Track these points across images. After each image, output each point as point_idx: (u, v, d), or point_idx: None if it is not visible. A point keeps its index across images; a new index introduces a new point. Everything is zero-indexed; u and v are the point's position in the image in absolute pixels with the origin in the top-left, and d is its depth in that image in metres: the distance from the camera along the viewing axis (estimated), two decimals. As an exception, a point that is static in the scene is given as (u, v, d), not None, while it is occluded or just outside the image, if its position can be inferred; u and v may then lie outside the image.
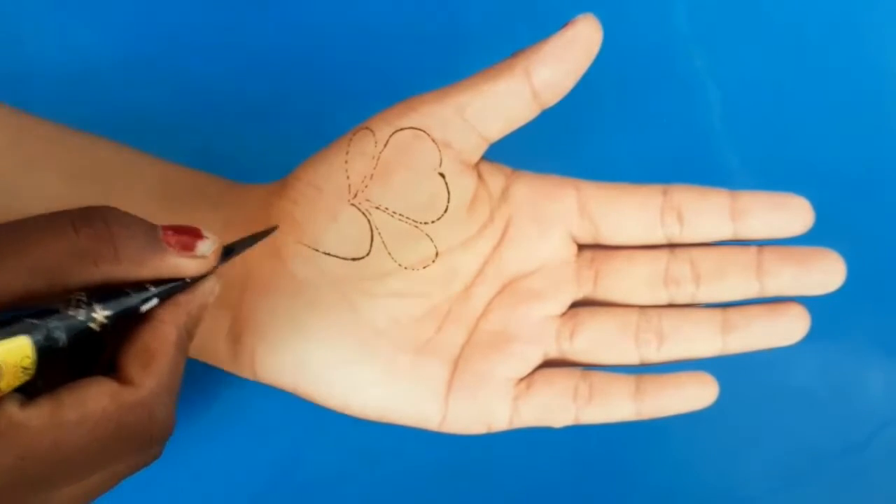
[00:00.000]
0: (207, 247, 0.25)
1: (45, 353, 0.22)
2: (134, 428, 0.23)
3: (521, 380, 0.31)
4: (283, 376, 0.30)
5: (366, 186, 0.30)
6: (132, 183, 0.31)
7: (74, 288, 0.22)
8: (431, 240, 0.31)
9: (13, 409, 0.21)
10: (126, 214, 0.24)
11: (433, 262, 0.31)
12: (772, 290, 0.30)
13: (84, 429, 0.22)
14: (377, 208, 0.30)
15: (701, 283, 0.30)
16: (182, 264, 0.24)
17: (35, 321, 0.22)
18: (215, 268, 0.26)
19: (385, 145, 0.30)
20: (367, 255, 0.30)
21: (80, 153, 0.32)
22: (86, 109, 0.36)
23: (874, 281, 0.38)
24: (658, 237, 0.31)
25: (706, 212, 0.30)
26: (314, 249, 0.30)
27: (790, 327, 0.30)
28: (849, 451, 0.39)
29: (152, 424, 0.23)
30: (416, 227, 0.30)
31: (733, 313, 0.30)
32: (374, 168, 0.30)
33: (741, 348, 0.30)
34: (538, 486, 0.38)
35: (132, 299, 0.23)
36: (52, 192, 0.31)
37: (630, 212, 0.30)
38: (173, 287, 0.25)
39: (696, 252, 0.30)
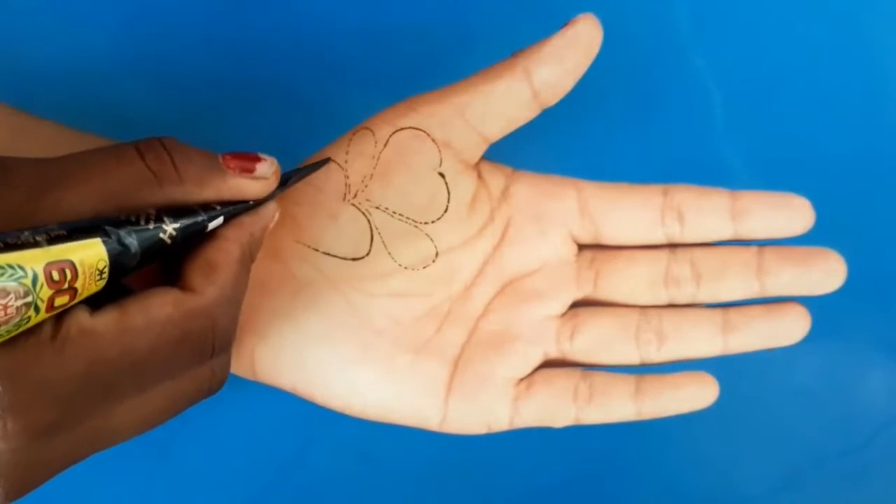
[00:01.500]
0: (266, 168, 0.26)
1: (118, 260, 0.22)
2: (197, 334, 0.23)
3: (522, 380, 0.31)
4: (282, 376, 0.30)
5: (366, 186, 0.30)
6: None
7: (141, 210, 0.23)
8: (431, 240, 0.31)
9: (83, 316, 0.21)
10: (186, 144, 0.24)
11: (433, 261, 0.31)
12: (772, 290, 0.30)
13: (151, 333, 0.22)
14: (377, 208, 0.30)
15: (701, 283, 0.30)
16: (243, 185, 0.25)
17: (109, 227, 0.22)
18: (275, 193, 0.27)
19: (385, 145, 0.30)
20: (367, 254, 0.30)
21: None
22: (86, 110, 0.36)
23: (875, 281, 0.38)
24: (658, 237, 0.31)
25: (707, 212, 0.30)
26: (314, 249, 0.30)
27: (791, 327, 0.30)
28: (849, 451, 0.39)
29: (215, 332, 0.24)
30: (416, 226, 0.30)
31: (734, 313, 0.30)
32: (374, 168, 0.30)
33: (742, 348, 0.30)
34: (539, 487, 0.38)
35: (200, 216, 0.24)
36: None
37: (631, 212, 0.30)
38: (238, 208, 0.26)
39: (696, 252, 0.30)
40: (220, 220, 0.25)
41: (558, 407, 0.30)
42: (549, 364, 0.31)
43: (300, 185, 0.30)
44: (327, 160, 0.30)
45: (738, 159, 0.40)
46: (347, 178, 0.30)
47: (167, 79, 0.38)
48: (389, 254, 0.30)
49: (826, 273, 0.29)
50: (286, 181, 0.28)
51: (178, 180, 0.24)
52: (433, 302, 0.31)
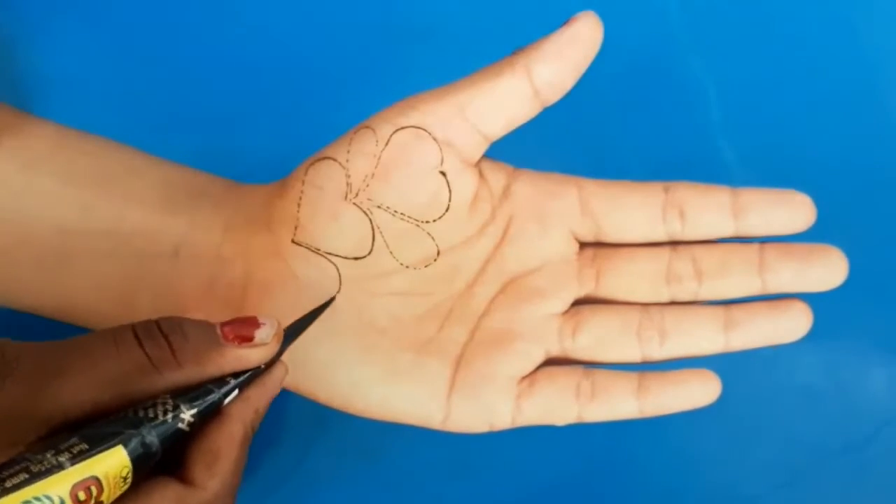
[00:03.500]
0: (266, 333, 0.25)
1: (140, 460, 0.22)
2: None
3: (524, 378, 0.31)
4: (284, 376, 0.30)
5: (367, 185, 0.30)
6: (133, 183, 0.31)
7: (142, 398, 0.23)
8: (433, 238, 0.31)
9: None
10: (179, 319, 0.24)
11: (435, 260, 0.31)
12: (774, 286, 0.30)
13: None
14: (378, 207, 0.30)
15: (703, 280, 0.30)
16: (244, 355, 0.25)
17: (129, 430, 0.22)
18: (281, 352, 0.26)
19: (386, 144, 0.30)
20: (369, 254, 0.30)
21: (81, 154, 0.32)
22: (86, 110, 0.36)
23: (876, 278, 0.38)
24: (660, 235, 0.30)
25: (708, 209, 0.30)
26: (315, 250, 0.30)
27: (792, 324, 0.30)
28: (851, 448, 0.39)
29: None
30: (418, 225, 0.30)
31: (735, 310, 0.30)
32: (376, 167, 0.30)
33: (743, 345, 0.30)
34: (541, 485, 0.38)
35: (214, 395, 0.24)
36: (53, 194, 0.31)
37: (632, 209, 0.30)
38: (251, 376, 0.25)
39: (698, 249, 0.30)
40: (235, 392, 0.25)
41: (560, 405, 0.30)
42: (551, 362, 0.31)
43: (301, 184, 0.30)
44: (332, 300, 0.29)
45: (738, 157, 0.40)
46: (349, 177, 0.30)
47: (167, 78, 0.38)
48: (391, 253, 0.30)
49: (827, 270, 0.29)
50: (289, 336, 0.27)
51: (176, 366, 0.23)
52: (435, 301, 0.31)
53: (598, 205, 0.31)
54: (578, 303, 0.31)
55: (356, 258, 0.30)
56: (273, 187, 0.31)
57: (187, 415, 0.23)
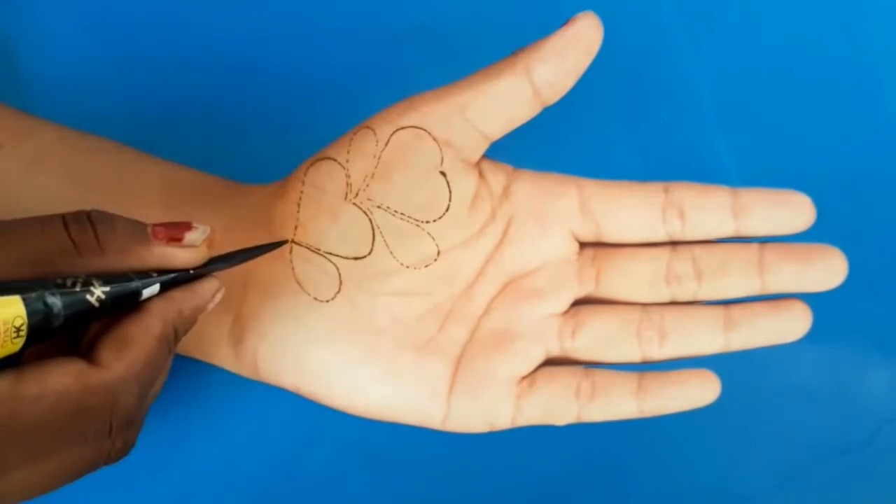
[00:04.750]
0: (196, 236, 0.25)
1: (40, 320, 0.22)
2: (94, 411, 0.23)
3: (524, 378, 0.31)
4: (285, 376, 0.30)
5: (367, 185, 0.30)
6: (134, 183, 0.31)
7: (69, 275, 0.23)
8: (433, 238, 0.31)
9: None
10: (114, 214, 0.24)
11: (435, 260, 0.31)
12: (773, 287, 0.30)
13: (43, 404, 0.22)
14: (378, 207, 0.30)
15: (703, 280, 0.30)
16: (169, 253, 0.24)
17: (31, 286, 0.22)
18: (215, 270, 0.26)
19: (386, 144, 0.30)
20: (369, 254, 0.30)
21: (82, 154, 0.32)
22: (87, 110, 0.36)
23: (876, 278, 0.38)
24: (660, 235, 0.31)
25: (708, 209, 0.30)
26: (315, 250, 0.30)
27: (792, 324, 0.30)
28: (851, 448, 0.39)
29: (114, 410, 0.23)
30: (418, 225, 0.30)
31: (735, 310, 0.30)
32: (376, 167, 0.30)
33: (743, 345, 0.30)
34: (541, 485, 0.38)
35: (132, 282, 0.24)
36: (53, 194, 0.31)
37: (632, 210, 0.30)
38: (177, 277, 0.25)
39: (697, 249, 0.30)
40: (156, 288, 0.24)
41: (560, 405, 0.30)
42: (551, 362, 0.31)
43: (302, 184, 0.30)
44: (283, 242, 0.29)
45: (737, 157, 0.40)
46: (349, 177, 0.30)
47: (168, 78, 0.38)
48: (391, 253, 0.30)
49: (827, 270, 0.29)
50: (231, 259, 0.27)
51: (98, 251, 0.23)
52: (435, 301, 0.31)
53: (598, 205, 0.31)
54: (578, 303, 0.31)
55: (356, 258, 0.30)
56: (273, 187, 0.31)
57: (98, 290, 0.23)
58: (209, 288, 0.26)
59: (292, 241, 0.30)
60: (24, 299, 0.21)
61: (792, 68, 0.41)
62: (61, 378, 0.22)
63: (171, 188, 0.32)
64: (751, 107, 0.40)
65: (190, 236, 0.25)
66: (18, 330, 0.21)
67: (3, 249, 0.22)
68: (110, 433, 0.24)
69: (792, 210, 0.29)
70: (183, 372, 0.35)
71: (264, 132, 0.38)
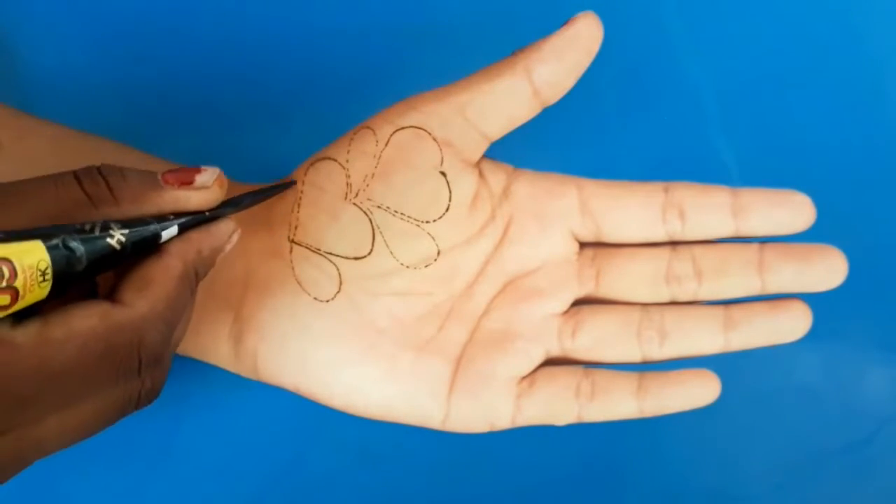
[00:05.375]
0: (207, 177, 0.25)
1: (64, 264, 0.22)
2: (122, 349, 0.23)
3: (524, 378, 0.31)
4: (284, 376, 0.30)
5: (367, 185, 0.30)
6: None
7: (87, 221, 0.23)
8: (433, 238, 0.31)
9: (2, 327, 0.21)
10: (126, 167, 0.24)
11: (435, 260, 0.31)
12: (773, 286, 0.30)
13: (71, 346, 0.22)
14: (378, 207, 0.30)
15: (703, 280, 0.30)
16: (182, 196, 0.25)
17: (52, 231, 0.22)
18: (229, 212, 0.26)
19: (386, 144, 0.30)
20: (369, 254, 0.30)
21: (82, 154, 0.32)
22: (87, 110, 0.36)
23: (876, 278, 0.38)
24: (660, 235, 0.31)
25: (708, 209, 0.30)
26: (315, 250, 0.30)
27: (792, 324, 0.30)
28: (851, 448, 0.39)
29: (142, 347, 0.23)
30: (418, 225, 0.30)
31: (735, 310, 0.30)
32: (376, 167, 0.30)
33: (743, 345, 0.30)
34: (541, 485, 0.38)
35: (151, 224, 0.24)
36: (53, 193, 0.31)
37: (632, 209, 0.30)
38: (194, 219, 0.25)
39: (697, 249, 0.30)
40: (174, 229, 0.25)
41: (560, 405, 0.30)
42: (551, 362, 0.31)
43: (301, 185, 0.30)
44: (292, 182, 0.30)
45: (737, 157, 0.40)
46: (349, 177, 0.30)
47: (168, 78, 0.38)
48: (391, 253, 0.30)
49: (827, 269, 0.29)
50: (242, 201, 0.27)
51: (112, 201, 0.24)
52: (435, 301, 0.31)
53: (598, 205, 0.31)
54: (578, 303, 0.31)
55: (356, 258, 0.30)
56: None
57: (118, 233, 0.23)
58: (226, 228, 0.26)
59: (292, 242, 0.30)
60: (46, 244, 0.21)
61: (792, 68, 0.41)
62: (86, 319, 0.22)
63: (172, 188, 0.32)
64: (751, 106, 0.40)
65: (200, 178, 0.25)
66: (44, 273, 0.21)
67: (18, 208, 0.22)
68: (140, 371, 0.24)
69: (792, 210, 0.29)
70: (183, 372, 0.35)
71: (264, 132, 0.38)
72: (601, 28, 0.28)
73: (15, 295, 0.21)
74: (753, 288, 0.30)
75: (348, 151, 0.30)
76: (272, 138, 0.38)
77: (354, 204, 0.30)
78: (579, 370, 0.31)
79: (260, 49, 0.39)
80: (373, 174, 0.30)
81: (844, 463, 0.38)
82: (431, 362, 0.31)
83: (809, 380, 0.39)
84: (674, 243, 0.31)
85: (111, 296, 0.24)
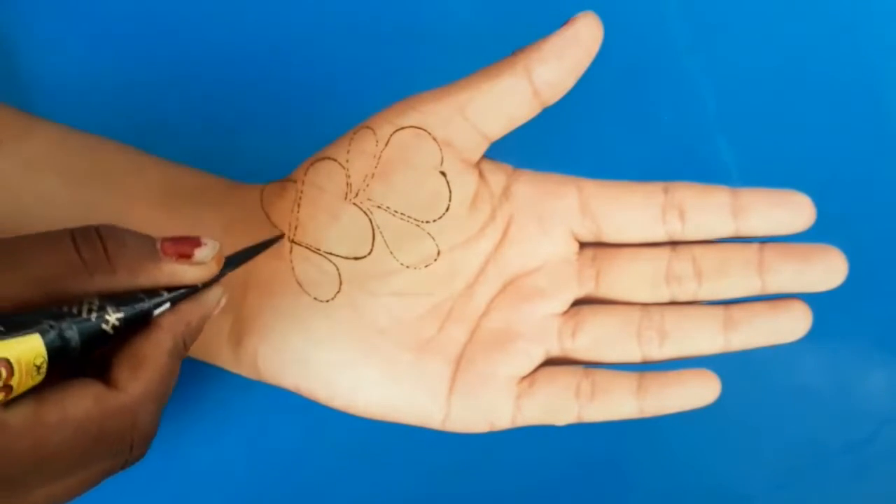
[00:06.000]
0: (206, 253, 0.25)
1: (57, 353, 0.22)
2: (115, 432, 0.23)
3: (524, 378, 0.31)
4: (285, 376, 0.30)
5: (367, 185, 0.30)
6: (134, 183, 0.31)
7: (72, 299, 0.23)
8: (433, 238, 0.31)
9: None
10: (123, 228, 0.24)
11: (435, 260, 0.31)
12: (773, 286, 0.30)
13: (65, 430, 0.22)
14: (378, 207, 0.30)
15: (703, 280, 0.30)
16: (180, 271, 0.25)
17: (49, 321, 0.22)
18: (220, 276, 0.26)
19: (386, 144, 0.30)
20: (369, 254, 0.30)
21: (83, 154, 0.32)
22: (87, 110, 0.36)
23: (876, 278, 0.38)
24: (660, 235, 0.30)
25: (708, 209, 0.30)
26: (315, 249, 0.30)
27: (792, 324, 0.30)
28: (851, 448, 0.39)
29: (134, 430, 0.24)
30: (418, 225, 0.30)
31: (735, 310, 0.30)
32: (376, 167, 0.30)
33: (743, 345, 0.30)
34: (541, 485, 0.38)
35: (145, 303, 0.24)
36: (54, 194, 0.31)
37: (632, 210, 0.30)
38: (186, 293, 0.25)
39: (697, 249, 0.30)
40: (167, 305, 0.25)
41: (560, 405, 0.30)
42: (551, 362, 0.31)
43: (300, 185, 0.30)
44: (280, 237, 0.30)
45: (737, 157, 0.40)
46: (349, 177, 0.30)
47: (168, 78, 0.38)
48: (391, 253, 0.30)
49: (827, 269, 0.29)
50: (234, 262, 0.27)
51: (109, 269, 0.23)
52: (435, 301, 0.31)
53: (598, 205, 0.31)
54: (578, 303, 0.31)
55: (356, 258, 0.30)
56: (273, 187, 0.31)
57: (113, 317, 0.23)
58: (214, 296, 0.26)
59: (292, 241, 0.30)
60: (42, 335, 0.21)
61: (792, 68, 0.41)
62: (81, 402, 0.22)
63: (172, 188, 0.32)
64: (751, 107, 0.40)
65: (200, 253, 0.25)
66: (39, 368, 0.21)
67: (11, 270, 0.22)
68: (131, 450, 0.24)
69: (792, 210, 0.29)
70: (183, 372, 0.35)
71: (264, 132, 0.38)
72: (601, 28, 0.28)
73: (9, 391, 0.21)
74: (753, 288, 0.30)
75: (348, 151, 0.30)
76: (272, 138, 0.38)
77: (354, 204, 0.30)
78: (579, 370, 0.31)
79: (260, 49, 0.39)
80: (373, 174, 0.30)
81: (844, 463, 0.38)
82: (431, 362, 0.31)
83: (809, 380, 0.39)
84: (674, 243, 0.31)
85: (104, 374, 0.24)
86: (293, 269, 0.30)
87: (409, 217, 0.30)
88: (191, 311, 0.25)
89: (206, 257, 0.25)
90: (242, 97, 0.38)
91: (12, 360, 0.20)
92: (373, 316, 0.30)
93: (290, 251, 0.30)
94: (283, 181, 0.31)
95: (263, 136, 0.38)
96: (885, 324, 0.39)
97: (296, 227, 0.30)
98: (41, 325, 0.21)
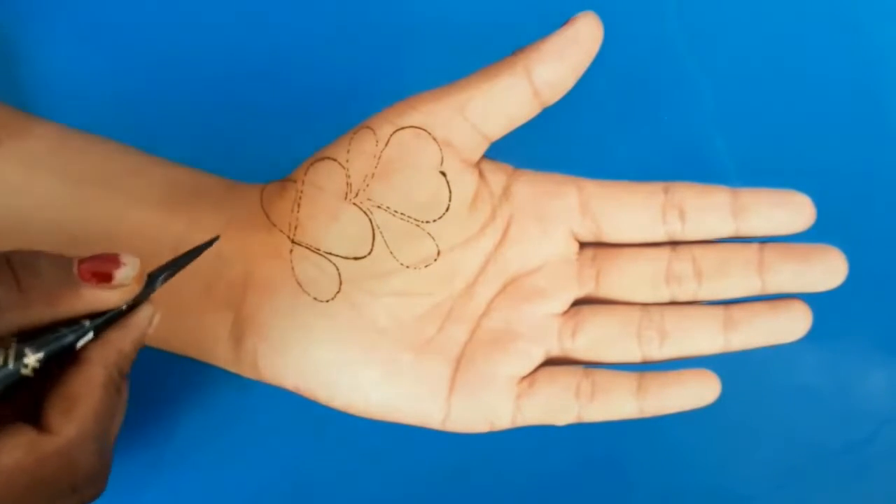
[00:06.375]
0: (126, 273, 0.23)
1: None
2: (52, 479, 0.22)
3: (524, 378, 0.31)
4: (285, 376, 0.30)
5: (367, 185, 0.30)
6: (134, 183, 0.31)
7: None
8: (433, 238, 0.31)
9: None
10: (35, 254, 0.23)
11: (435, 260, 0.31)
12: (773, 286, 0.30)
13: None
14: (378, 207, 0.30)
15: (703, 280, 0.30)
16: (100, 296, 0.23)
17: None
18: (149, 292, 0.25)
19: (386, 144, 0.30)
20: (369, 254, 0.30)
21: (82, 154, 0.32)
22: (87, 110, 0.36)
23: (876, 278, 0.38)
24: (660, 235, 0.31)
25: (708, 209, 0.30)
26: (315, 249, 0.30)
27: (792, 324, 0.30)
28: (851, 448, 0.39)
29: (74, 473, 0.23)
30: (418, 225, 0.30)
31: (735, 310, 0.30)
32: (376, 167, 0.30)
33: (743, 345, 0.30)
34: (541, 485, 0.38)
35: (66, 337, 0.23)
36: (53, 194, 0.31)
37: (632, 210, 0.30)
38: (109, 317, 0.24)
39: (697, 249, 0.30)
40: (90, 335, 0.23)
41: (560, 405, 0.30)
42: (551, 362, 0.31)
43: (300, 185, 0.30)
44: (214, 239, 0.27)
45: (736, 158, 0.40)
46: (349, 177, 0.30)
47: (168, 78, 0.38)
48: (391, 253, 0.30)
49: (827, 269, 0.29)
50: (160, 275, 0.25)
51: (23, 303, 0.22)
52: (435, 301, 0.31)
53: (599, 205, 0.31)
54: (578, 303, 0.31)
55: (356, 258, 0.30)
56: (273, 187, 0.31)
57: (32, 359, 0.22)
58: (144, 317, 0.25)
59: (292, 241, 0.30)
60: None
61: (792, 68, 0.41)
62: (12, 453, 0.21)
63: (172, 188, 0.32)
64: (751, 107, 0.40)
65: (119, 275, 0.23)
66: None
67: None
68: (75, 491, 0.23)
69: (792, 210, 0.29)
70: (183, 372, 0.35)
71: (264, 132, 0.38)
72: (601, 28, 0.28)
73: None
74: (753, 288, 0.30)
75: (348, 151, 0.30)
76: (272, 138, 0.38)
77: (354, 204, 0.30)
78: (579, 370, 0.31)
79: (260, 49, 0.39)
80: (373, 174, 0.30)
81: (844, 463, 0.38)
82: (431, 362, 0.31)
83: (809, 380, 0.39)
84: (674, 243, 0.31)
85: (34, 418, 0.23)
86: (293, 268, 0.30)
87: (409, 217, 0.30)
88: (121, 337, 0.24)
89: (127, 279, 0.23)
90: (242, 97, 0.38)
91: None
92: (373, 316, 0.30)
93: (291, 251, 0.30)
94: (283, 181, 0.31)
95: (263, 136, 0.38)
96: (885, 324, 0.39)
97: (296, 227, 0.30)
98: None
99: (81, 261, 0.23)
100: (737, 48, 0.41)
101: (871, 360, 0.39)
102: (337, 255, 0.30)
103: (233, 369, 0.31)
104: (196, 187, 0.32)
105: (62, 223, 0.31)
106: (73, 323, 0.23)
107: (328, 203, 0.30)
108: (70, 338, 0.23)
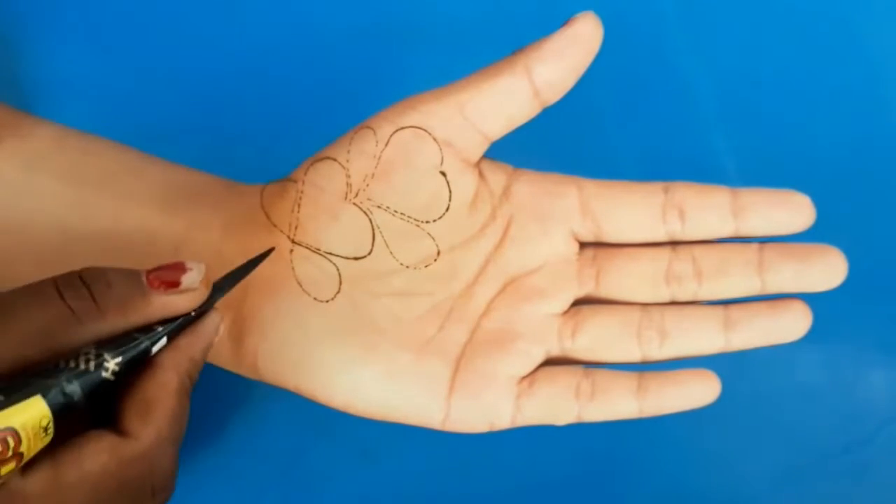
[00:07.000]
0: (193, 277, 0.25)
1: (62, 410, 0.22)
2: (135, 482, 0.23)
3: (524, 378, 0.31)
4: (285, 376, 0.30)
5: (367, 185, 0.30)
6: (134, 183, 0.31)
7: (67, 350, 0.22)
8: (433, 238, 0.31)
9: (13, 479, 0.21)
10: (106, 268, 0.24)
11: (435, 260, 0.31)
12: (773, 286, 0.30)
13: (85, 488, 0.22)
14: (378, 207, 0.30)
15: (703, 280, 0.30)
16: (170, 302, 0.24)
17: (48, 380, 0.22)
18: (214, 300, 0.26)
19: (386, 144, 0.30)
20: (369, 254, 0.30)
21: (82, 154, 0.32)
22: (87, 110, 0.36)
23: (876, 278, 0.38)
24: (660, 235, 0.30)
25: (708, 209, 0.30)
26: (315, 249, 0.30)
27: (792, 324, 0.30)
28: (851, 447, 0.39)
29: (153, 476, 0.23)
30: (418, 225, 0.30)
31: (735, 310, 0.30)
32: (376, 167, 0.30)
33: (743, 345, 0.30)
34: (540, 484, 0.38)
35: (141, 343, 0.24)
36: (53, 194, 0.31)
37: (632, 209, 0.30)
38: (181, 323, 0.25)
39: (697, 249, 0.30)
40: (164, 340, 0.24)
41: (560, 405, 0.30)
42: (551, 362, 0.31)
43: (301, 185, 0.30)
44: (269, 251, 0.28)
45: (736, 158, 0.40)
46: (349, 177, 0.30)
47: (168, 79, 0.38)
48: (391, 253, 0.30)
49: (827, 269, 0.29)
50: (225, 285, 0.26)
51: (99, 315, 0.23)
52: (435, 301, 0.31)
53: (599, 205, 0.31)
54: (578, 303, 0.31)
55: (356, 258, 0.30)
56: (273, 187, 0.31)
57: (112, 363, 0.23)
58: (212, 324, 0.26)
59: (292, 241, 0.30)
60: (43, 396, 0.21)
61: (792, 68, 0.41)
62: (97, 458, 0.22)
63: (171, 188, 0.32)
64: (750, 107, 0.40)
65: (186, 279, 0.24)
66: (45, 429, 0.21)
67: (3, 333, 0.22)
68: (154, 495, 0.24)
69: (792, 210, 0.29)
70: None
71: (264, 132, 0.38)
72: (601, 28, 0.28)
73: (20, 458, 0.21)
74: (753, 288, 0.30)
75: (348, 151, 0.30)
76: (272, 138, 0.38)
77: (354, 204, 0.30)
78: (579, 370, 0.30)
79: (260, 49, 0.39)
80: (373, 174, 0.30)
81: (844, 463, 0.38)
82: (431, 362, 0.31)
83: (809, 380, 0.39)
84: (674, 243, 0.31)
85: (115, 424, 0.23)
86: (293, 269, 0.30)
87: (409, 217, 0.30)
88: (191, 344, 0.25)
89: (194, 282, 0.25)
90: (242, 97, 0.38)
91: (18, 428, 0.20)
92: (373, 316, 0.30)
93: (291, 251, 0.30)
94: (283, 181, 0.31)
95: (263, 136, 0.38)
96: (885, 324, 0.39)
97: (296, 227, 0.30)
98: (41, 386, 0.21)
99: (149, 271, 0.24)
100: (736, 48, 0.41)
101: (871, 360, 0.39)
102: (337, 256, 0.30)
103: (233, 369, 0.31)
104: (196, 187, 0.32)
105: (62, 223, 0.31)
106: (147, 330, 0.24)
107: (328, 203, 0.30)
108: (145, 343, 0.24)
